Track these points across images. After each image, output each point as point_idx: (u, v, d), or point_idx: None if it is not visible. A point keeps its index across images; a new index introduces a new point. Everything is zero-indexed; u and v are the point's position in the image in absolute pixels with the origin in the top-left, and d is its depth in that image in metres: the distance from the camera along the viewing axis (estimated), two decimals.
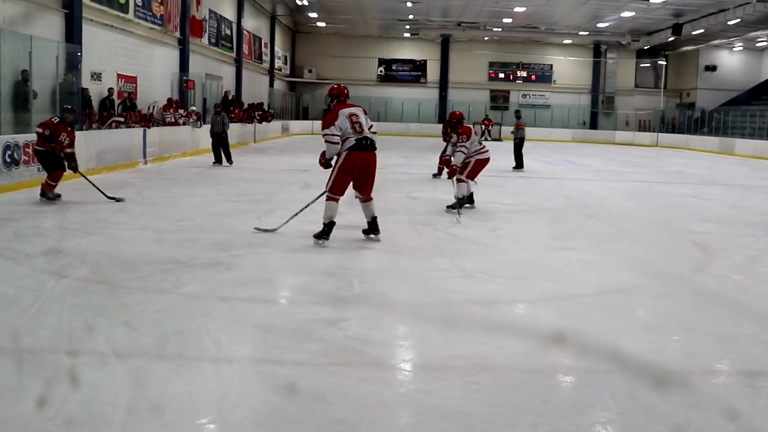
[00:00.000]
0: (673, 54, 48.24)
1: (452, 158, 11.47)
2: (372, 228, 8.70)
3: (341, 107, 8.43)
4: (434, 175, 17.33)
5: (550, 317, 5.93)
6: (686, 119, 45.37)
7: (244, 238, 8.68)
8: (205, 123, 22.81)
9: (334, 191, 8.37)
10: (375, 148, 8.45)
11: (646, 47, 46.47)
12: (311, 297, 6.29)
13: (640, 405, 4.05)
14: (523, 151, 20.85)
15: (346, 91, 8.70)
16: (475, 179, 11.77)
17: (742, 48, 45.91)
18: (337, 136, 8.26)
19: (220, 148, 19.41)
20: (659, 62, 48.51)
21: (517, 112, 22.58)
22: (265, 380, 4.33)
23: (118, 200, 11.29)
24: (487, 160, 11.75)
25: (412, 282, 6.84)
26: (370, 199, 8.63)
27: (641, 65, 49.58)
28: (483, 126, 40.58)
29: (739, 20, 34.78)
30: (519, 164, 20.72)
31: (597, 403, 4.10)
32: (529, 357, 4.88)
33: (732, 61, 47.11)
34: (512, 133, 21.68)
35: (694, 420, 3.92)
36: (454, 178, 11.41)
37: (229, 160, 19.35)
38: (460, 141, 11.38)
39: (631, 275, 7.55)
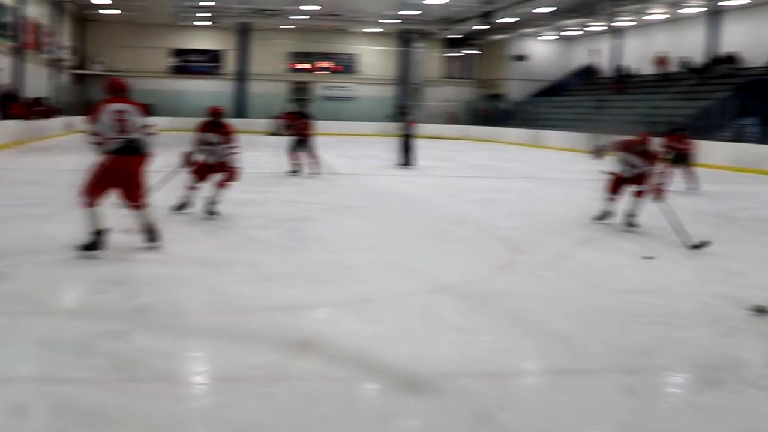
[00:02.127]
0: (483, 43, 49.93)
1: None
2: (150, 236, 8.27)
3: (108, 102, 8.04)
4: (293, 172, 17.57)
5: (354, 322, 6.03)
6: (496, 111, 47.14)
7: (23, 245, 8.33)
8: None
9: (87, 196, 7.86)
10: (139, 152, 8.04)
11: (455, 36, 47.93)
12: (95, 309, 6.15)
13: (447, 411, 4.21)
14: (325, 146, 21.07)
15: (119, 85, 8.24)
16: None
17: (551, 37, 48.18)
18: (98, 135, 7.93)
19: None
20: (468, 52, 50.16)
21: (403, 108, 23.10)
22: (46, 400, 4.18)
23: None
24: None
25: (205, 288, 6.78)
26: (142, 206, 8.22)
27: (449, 55, 51.07)
28: (284, 121, 40.19)
29: (549, 9, 36.57)
30: (407, 161, 21.44)
31: (401, 411, 4.21)
32: (331, 364, 4.94)
33: (542, 51, 49.38)
34: (400, 129, 22.29)
35: (501, 421, 4.12)
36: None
37: None
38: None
39: (437, 275, 7.75)
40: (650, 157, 10.81)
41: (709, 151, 26.89)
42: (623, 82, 40.67)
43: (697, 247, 9.15)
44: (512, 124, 43.35)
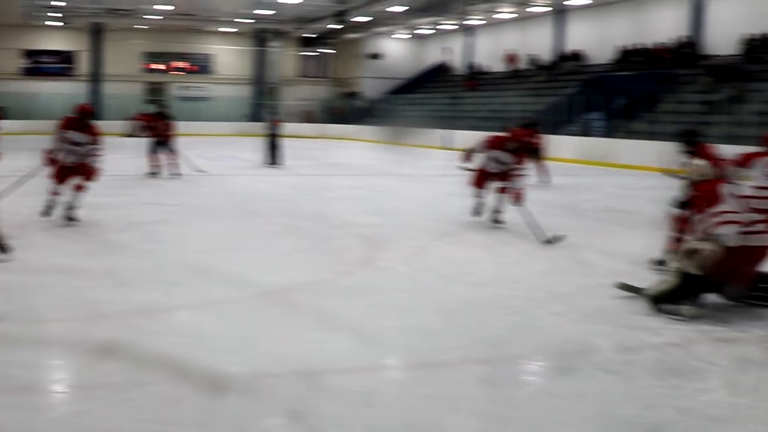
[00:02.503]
0: (338, 42, 50.05)
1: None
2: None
3: None
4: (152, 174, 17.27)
5: (214, 323, 5.96)
6: (352, 109, 47.36)
7: None
8: None
9: None
10: None
11: (310, 36, 47.89)
12: None
13: (309, 409, 4.21)
14: (184, 147, 20.69)
15: None
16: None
17: (405, 36, 48.73)
18: None
19: None
20: (323, 51, 50.22)
21: (272, 107, 22.92)
22: None
23: None
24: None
25: (62, 295, 6.58)
26: None
27: (305, 54, 51.01)
28: (141, 123, 39.27)
29: (402, 8, 36.99)
30: (273, 160, 21.62)
31: (266, 411, 4.18)
32: (191, 367, 4.86)
33: (396, 49, 49.88)
34: (267, 129, 22.41)
35: (363, 417, 4.14)
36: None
37: None
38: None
39: (297, 273, 7.75)
40: (520, 155, 10.92)
41: (558, 145, 27.72)
42: (475, 79, 41.54)
43: (549, 242, 9.40)
44: (368, 122, 43.61)
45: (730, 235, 6.20)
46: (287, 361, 5.00)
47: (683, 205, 7.41)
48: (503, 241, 9.65)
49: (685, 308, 6.17)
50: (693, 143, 8.77)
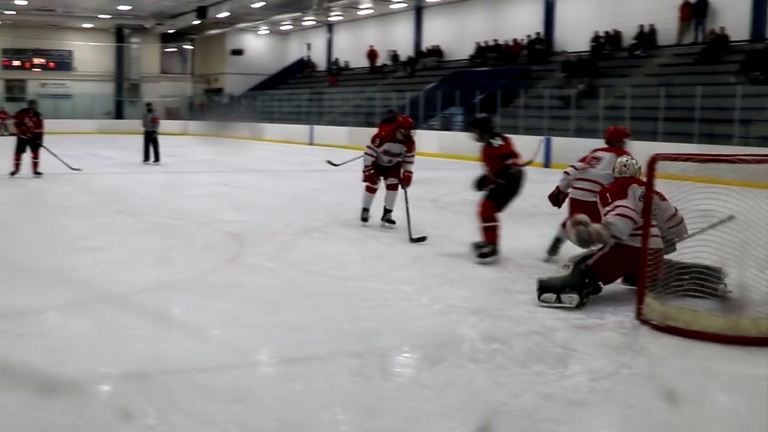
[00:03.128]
0: (200, 38, 49.37)
1: None
2: None
3: None
4: None
5: (82, 324, 5.82)
6: (215, 105, 46.76)
7: None
8: None
9: None
10: None
11: (171, 31, 47.05)
12: None
13: (179, 408, 4.14)
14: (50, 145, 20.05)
15: None
16: None
17: (267, 32, 48.42)
18: None
19: None
20: (185, 47, 49.42)
21: (149, 104, 23.59)
22: None
23: None
24: None
25: None
26: None
27: (167, 50, 50.09)
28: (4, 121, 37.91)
29: (263, 4, 36.70)
30: (153, 157, 21.61)
31: (137, 412, 4.08)
32: (63, 368, 4.73)
33: (258, 45, 49.52)
34: (147, 126, 22.16)
35: (235, 414, 4.09)
36: None
37: None
38: None
39: (164, 271, 7.62)
40: (411, 142, 10.56)
41: (419, 139, 27.95)
42: (337, 75, 41.65)
43: (416, 240, 9.44)
44: (232, 119, 43.14)
45: (623, 229, 6.43)
46: (157, 361, 4.90)
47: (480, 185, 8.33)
48: (370, 236, 9.72)
49: (566, 296, 6.35)
50: (487, 130, 8.63)
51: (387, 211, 10.62)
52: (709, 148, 16.84)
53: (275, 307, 6.31)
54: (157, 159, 21.75)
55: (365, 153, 10.65)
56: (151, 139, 21.91)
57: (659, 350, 5.41)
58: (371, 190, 10.65)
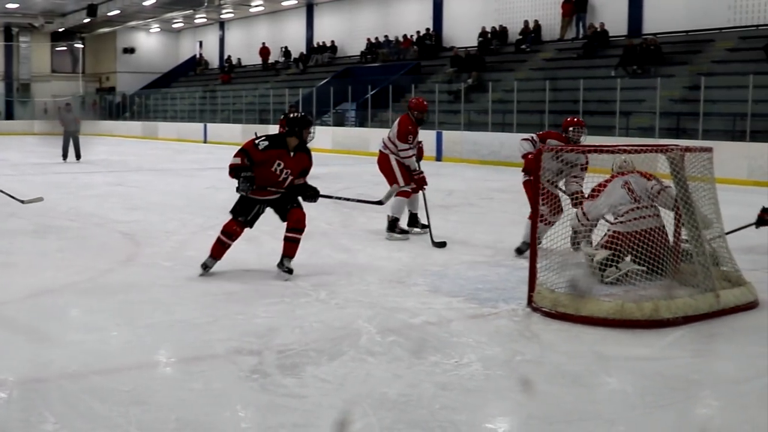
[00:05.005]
0: (90, 36, 48.22)
1: None
2: None
3: None
4: None
5: None
6: (108, 104, 45.80)
7: None
8: None
9: None
10: None
11: (61, 30, 45.80)
12: None
13: (79, 412, 4.03)
14: None
15: None
16: None
17: (159, 30, 47.61)
18: None
19: None
20: (76, 45, 48.20)
21: (68, 104, 23.61)
22: None
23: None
24: None
25: None
26: None
27: (57, 49, 48.76)
28: None
29: (154, 1, 36.07)
30: (67, 155, 21.38)
31: (35, 419, 3.96)
32: None
33: (150, 43, 48.65)
34: (63, 125, 21.75)
35: (135, 416, 4.00)
36: None
37: None
38: None
39: (58, 274, 7.41)
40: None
41: (314, 135, 27.81)
42: (230, 72, 41.23)
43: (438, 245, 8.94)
44: (125, 118, 42.36)
45: (589, 209, 7.02)
46: (54, 365, 4.77)
47: None
48: (266, 232, 9.59)
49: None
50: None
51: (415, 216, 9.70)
52: (592, 139, 17.32)
53: (173, 307, 6.21)
54: (78, 157, 21.43)
55: (405, 156, 9.39)
56: (73, 138, 21.52)
57: (550, 336, 5.52)
58: (408, 195, 9.51)
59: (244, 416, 4.15)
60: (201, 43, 45.94)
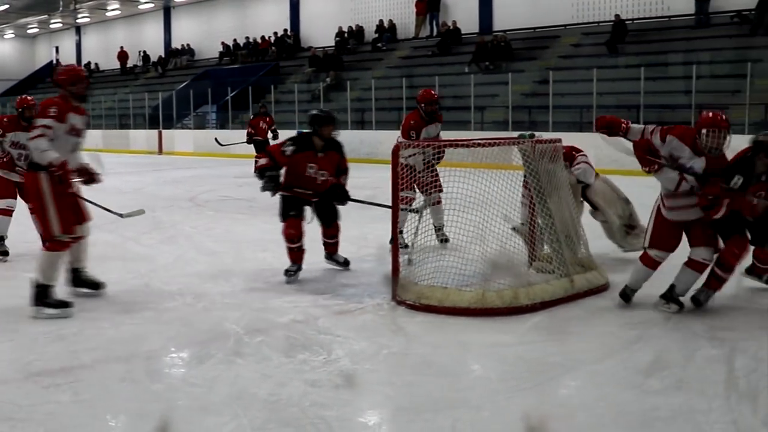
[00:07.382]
0: None
1: None
2: None
3: None
4: None
5: None
6: None
7: None
8: None
9: None
10: None
11: None
12: None
13: None
14: None
15: None
16: None
17: (13, 35, 45.84)
18: None
19: None
20: None
21: None
22: None
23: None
24: None
25: None
26: None
27: None
28: None
29: (6, 6, 34.68)
30: None
31: None
32: None
33: (4, 49, 46.79)
34: None
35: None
36: None
37: None
38: None
39: None
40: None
41: (173, 139, 27.51)
42: (88, 77, 40.03)
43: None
44: None
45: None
46: None
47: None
48: (129, 238, 9.38)
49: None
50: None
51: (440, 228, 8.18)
52: (449, 134, 17.61)
53: (36, 318, 5.95)
54: None
55: (409, 155, 7.21)
56: None
57: (415, 328, 5.60)
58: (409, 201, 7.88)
59: (114, 425, 4.07)
60: (57, 49, 44.41)
